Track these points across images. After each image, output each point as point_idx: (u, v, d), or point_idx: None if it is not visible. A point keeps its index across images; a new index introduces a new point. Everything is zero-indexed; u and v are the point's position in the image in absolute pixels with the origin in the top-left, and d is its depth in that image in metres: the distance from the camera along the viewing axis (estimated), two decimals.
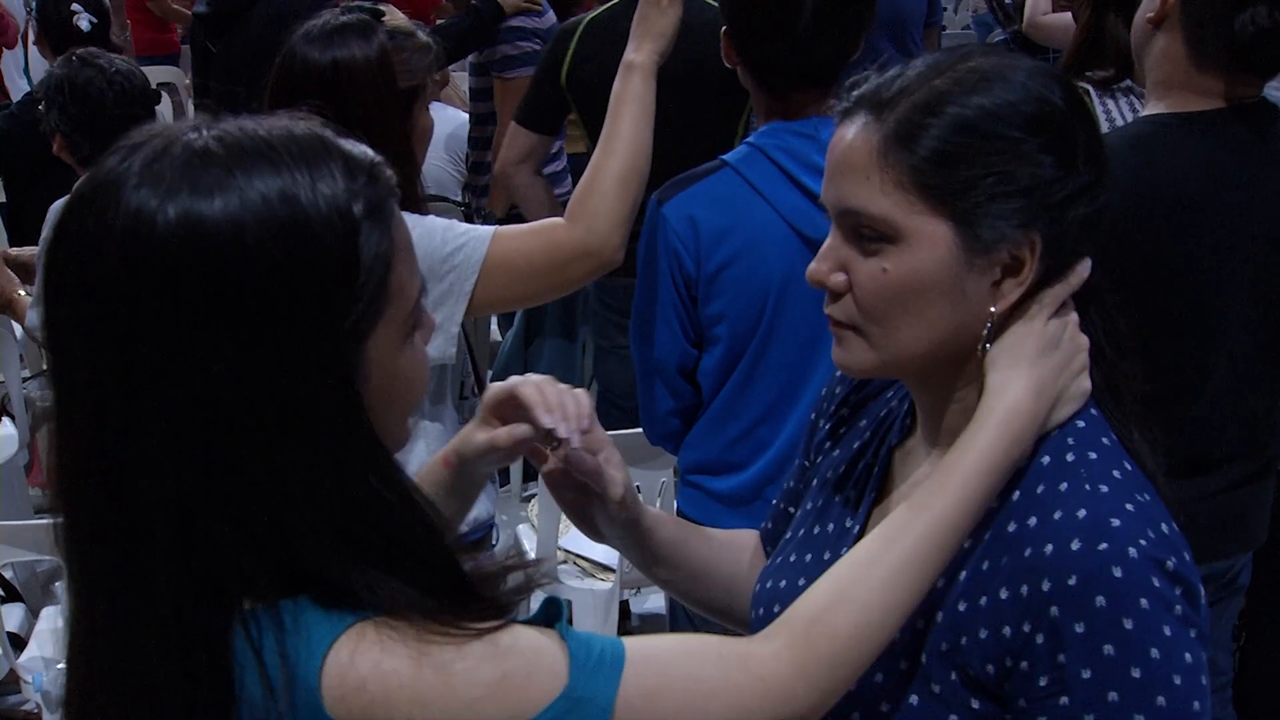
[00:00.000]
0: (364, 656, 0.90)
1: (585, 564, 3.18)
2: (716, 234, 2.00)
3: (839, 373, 1.40)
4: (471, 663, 0.93)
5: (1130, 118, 2.64)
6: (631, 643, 1.00)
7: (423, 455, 2.14)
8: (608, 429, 1.29)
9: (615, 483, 1.26)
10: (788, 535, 1.37)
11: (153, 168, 0.90)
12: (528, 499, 3.64)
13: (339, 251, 0.92)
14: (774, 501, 1.48)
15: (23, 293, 3.18)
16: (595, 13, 3.28)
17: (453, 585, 0.97)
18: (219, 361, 0.88)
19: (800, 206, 1.97)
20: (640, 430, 2.24)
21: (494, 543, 2.27)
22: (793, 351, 2.03)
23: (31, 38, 4.17)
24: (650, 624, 3.72)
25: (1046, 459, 1.14)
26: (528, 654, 0.95)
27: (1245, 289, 1.95)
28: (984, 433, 1.10)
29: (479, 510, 2.21)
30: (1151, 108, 2.00)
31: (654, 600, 3.73)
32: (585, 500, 1.29)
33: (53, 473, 0.95)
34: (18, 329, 3.89)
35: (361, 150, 0.98)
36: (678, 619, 2.25)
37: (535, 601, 1.04)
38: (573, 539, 3.24)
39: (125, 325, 0.88)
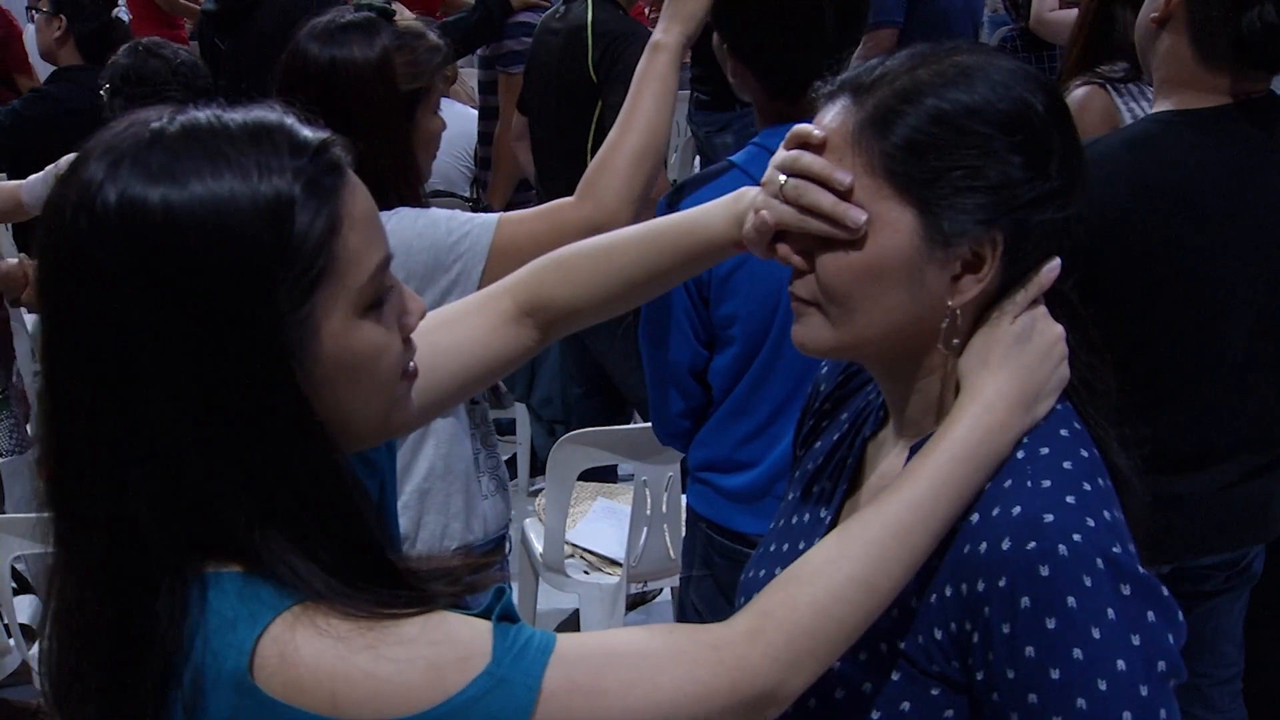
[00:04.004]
0: (301, 635, 0.95)
1: (592, 558, 3.18)
2: None
3: (824, 369, 1.43)
4: (402, 648, 0.96)
5: None
6: (570, 634, 1.03)
7: (430, 454, 2.15)
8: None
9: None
10: (770, 525, 1.39)
11: (110, 144, 0.98)
12: (535, 494, 3.65)
13: (269, 226, 0.96)
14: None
15: None
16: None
17: (373, 572, 1.00)
18: (144, 324, 0.94)
19: None
20: (649, 426, 2.26)
21: (508, 551, 2.26)
22: None
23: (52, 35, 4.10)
24: (657, 618, 3.73)
25: None
26: (455, 639, 0.99)
27: (1255, 282, 1.96)
28: (958, 424, 1.12)
29: (492, 521, 2.21)
30: (1158, 106, 2.01)
31: (661, 594, 3.74)
32: None
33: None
34: (29, 322, 3.90)
35: (313, 130, 1.02)
36: (685, 614, 2.27)
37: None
38: (580, 533, 3.24)
39: (67, 283, 0.97)
